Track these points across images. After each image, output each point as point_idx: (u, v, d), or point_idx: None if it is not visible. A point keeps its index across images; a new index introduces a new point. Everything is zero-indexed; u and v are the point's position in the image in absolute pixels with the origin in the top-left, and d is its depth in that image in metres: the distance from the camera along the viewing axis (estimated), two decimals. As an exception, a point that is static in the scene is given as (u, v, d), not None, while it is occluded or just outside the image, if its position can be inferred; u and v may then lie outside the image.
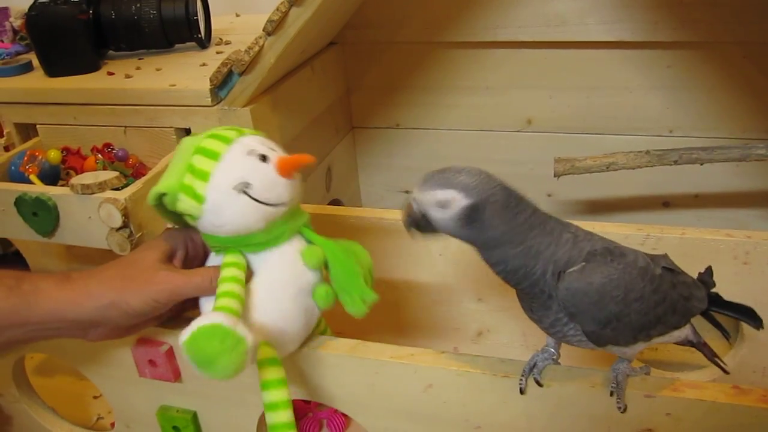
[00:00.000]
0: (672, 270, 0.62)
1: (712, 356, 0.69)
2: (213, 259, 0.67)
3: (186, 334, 0.55)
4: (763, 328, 0.67)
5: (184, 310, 0.71)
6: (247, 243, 0.64)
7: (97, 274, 0.64)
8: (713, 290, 0.68)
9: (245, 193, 0.61)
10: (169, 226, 0.71)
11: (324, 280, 0.67)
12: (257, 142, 0.64)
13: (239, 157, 0.62)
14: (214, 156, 0.62)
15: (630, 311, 0.57)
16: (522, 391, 0.61)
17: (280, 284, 0.65)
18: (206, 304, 0.65)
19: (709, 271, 0.69)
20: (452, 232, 0.58)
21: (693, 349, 0.97)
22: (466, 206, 0.55)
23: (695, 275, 0.83)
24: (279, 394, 0.63)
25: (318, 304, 0.66)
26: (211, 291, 0.63)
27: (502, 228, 0.56)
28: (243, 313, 0.61)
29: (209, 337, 0.55)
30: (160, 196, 0.63)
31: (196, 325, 0.55)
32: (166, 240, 0.67)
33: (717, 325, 0.68)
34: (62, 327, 0.63)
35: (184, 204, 0.61)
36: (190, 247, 0.69)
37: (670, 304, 0.60)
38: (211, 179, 0.61)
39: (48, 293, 0.62)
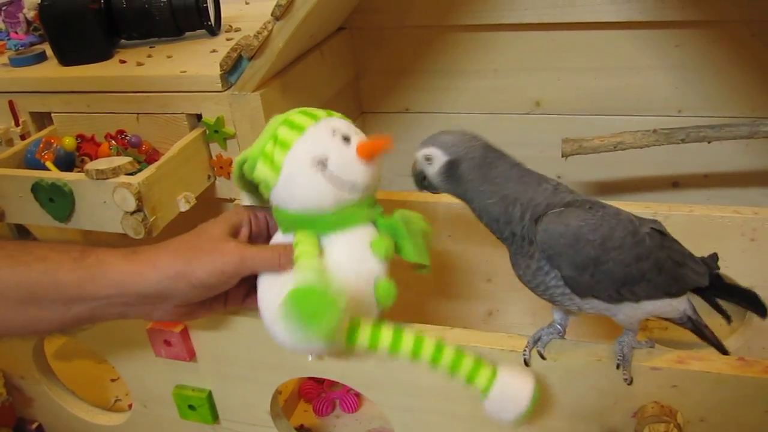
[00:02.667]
0: (662, 233, 0.63)
1: (712, 338, 0.69)
2: (279, 237, 0.66)
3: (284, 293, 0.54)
4: (767, 316, 0.68)
5: (247, 296, 0.69)
6: (316, 223, 0.63)
7: (163, 247, 0.63)
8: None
9: (322, 168, 0.60)
10: (245, 203, 0.71)
11: (389, 276, 0.65)
12: (343, 124, 0.64)
13: (323, 133, 0.62)
14: (299, 129, 0.62)
15: (608, 259, 0.58)
16: (526, 363, 0.62)
17: (343, 269, 0.62)
18: (266, 283, 0.63)
19: (714, 256, 0.69)
20: (439, 187, 0.65)
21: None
22: (445, 162, 0.62)
23: (703, 253, 0.83)
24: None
25: (379, 298, 0.63)
26: (278, 268, 0.61)
27: (478, 181, 0.61)
28: None
29: (308, 295, 0.54)
30: (242, 164, 0.63)
31: (293, 284, 0.54)
32: (231, 215, 0.66)
33: (718, 308, 0.69)
34: (128, 302, 0.62)
35: (261, 171, 0.61)
36: (254, 225, 0.68)
37: (655, 263, 0.60)
38: (291, 150, 0.61)
39: (113, 265, 0.60)
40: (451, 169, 0.62)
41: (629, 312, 0.61)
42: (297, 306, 0.53)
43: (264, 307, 0.62)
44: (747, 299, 0.68)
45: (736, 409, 0.59)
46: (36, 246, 0.61)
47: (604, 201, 0.63)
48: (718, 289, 0.67)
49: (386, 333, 0.59)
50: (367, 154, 0.62)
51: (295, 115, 0.63)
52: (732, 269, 0.84)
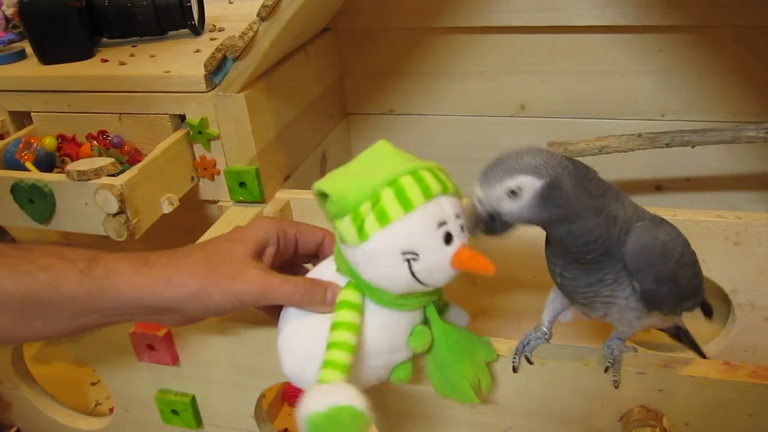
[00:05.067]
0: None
1: (692, 343, 0.70)
2: (326, 270, 0.61)
3: (312, 409, 0.51)
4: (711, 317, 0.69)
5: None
6: (375, 293, 0.57)
7: (178, 260, 0.59)
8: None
9: (409, 263, 0.54)
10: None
11: (410, 361, 0.62)
12: (452, 213, 0.55)
13: (427, 224, 0.54)
14: (406, 205, 0.53)
15: (682, 273, 0.58)
16: (515, 369, 0.62)
17: (373, 345, 0.58)
18: (291, 313, 0.60)
19: None
20: (530, 218, 0.54)
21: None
22: (542, 187, 0.52)
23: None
24: None
25: (391, 380, 0.61)
26: (301, 304, 0.58)
27: (584, 198, 0.53)
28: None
29: (340, 420, 0.50)
30: (322, 194, 0.56)
31: (324, 402, 0.50)
32: (258, 232, 0.61)
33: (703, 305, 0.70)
34: (138, 313, 0.59)
35: (345, 228, 0.54)
36: (282, 245, 0.63)
37: (701, 281, 0.61)
38: (387, 228, 0.53)
39: (124, 278, 0.57)
40: (551, 192, 0.52)
41: (643, 323, 0.61)
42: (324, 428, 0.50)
43: (283, 336, 0.60)
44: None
45: (722, 413, 0.59)
46: (40, 253, 0.57)
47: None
48: None
49: None
50: (462, 267, 0.55)
51: (408, 180, 0.54)
52: (715, 273, 0.84)
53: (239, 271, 0.58)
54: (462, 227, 0.56)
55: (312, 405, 0.51)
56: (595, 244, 0.55)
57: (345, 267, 0.58)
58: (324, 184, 0.55)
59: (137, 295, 0.57)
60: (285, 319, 0.60)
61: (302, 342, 0.58)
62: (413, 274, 0.54)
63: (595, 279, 0.58)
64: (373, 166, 0.56)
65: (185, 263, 0.58)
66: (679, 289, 0.58)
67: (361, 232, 0.53)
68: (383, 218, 0.53)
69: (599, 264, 0.57)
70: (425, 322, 0.60)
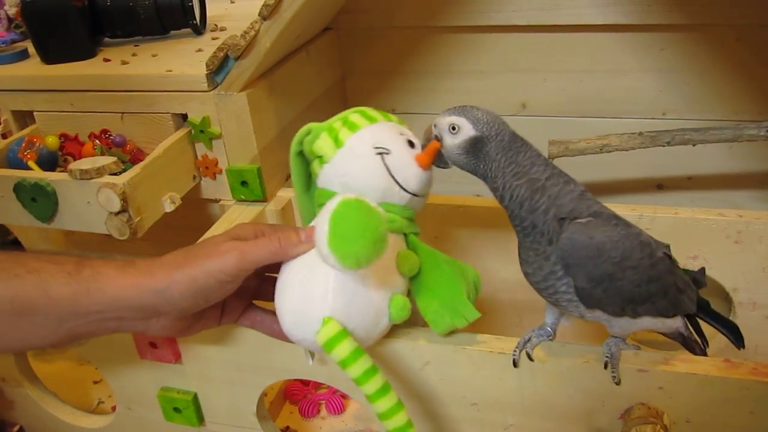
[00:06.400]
0: (671, 258, 0.63)
1: (700, 353, 0.70)
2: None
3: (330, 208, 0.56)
4: (743, 347, 0.69)
5: (244, 313, 0.67)
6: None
7: (161, 258, 0.60)
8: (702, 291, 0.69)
9: (381, 156, 0.64)
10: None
11: (405, 294, 0.64)
12: (407, 131, 0.69)
13: (391, 130, 0.67)
14: (370, 119, 0.67)
15: (623, 277, 0.58)
16: (515, 364, 0.62)
17: (362, 272, 0.59)
18: (289, 268, 0.61)
19: (702, 271, 0.70)
20: (457, 160, 0.63)
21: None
22: (472, 136, 0.61)
23: (688, 255, 0.84)
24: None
25: (390, 313, 0.62)
26: (281, 251, 0.60)
27: (505, 162, 0.61)
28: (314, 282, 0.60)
29: (357, 206, 0.56)
30: (305, 135, 0.67)
31: (336, 201, 0.56)
32: (234, 230, 0.64)
33: (699, 333, 0.70)
34: (123, 316, 0.59)
35: (323, 144, 0.66)
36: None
37: (662, 287, 0.61)
38: (358, 132, 0.65)
39: (109, 278, 0.58)
40: (476, 145, 0.61)
41: (624, 325, 0.61)
42: (348, 216, 0.54)
43: (278, 291, 0.62)
44: (728, 328, 0.69)
45: (722, 411, 0.59)
46: (29, 258, 0.59)
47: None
48: (704, 311, 0.68)
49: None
50: (426, 163, 0.66)
51: (370, 110, 0.69)
52: (716, 271, 0.84)
53: (214, 249, 0.60)
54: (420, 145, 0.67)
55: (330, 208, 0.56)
56: (519, 208, 0.60)
57: (326, 195, 0.65)
58: (302, 129, 0.67)
59: (122, 294, 0.58)
60: (278, 282, 0.62)
61: (296, 283, 0.60)
62: (387, 168, 0.64)
63: (547, 270, 0.60)
64: (338, 115, 0.69)
65: (166, 259, 0.60)
66: (621, 291, 0.59)
67: (337, 141, 0.65)
68: (353, 126, 0.66)
69: (541, 247, 0.59)
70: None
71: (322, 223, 0.55)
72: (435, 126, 0.65)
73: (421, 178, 0.67)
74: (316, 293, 0.59)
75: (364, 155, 0.65)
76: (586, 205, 0.59)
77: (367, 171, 0.65)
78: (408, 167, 0.66)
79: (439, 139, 0.64)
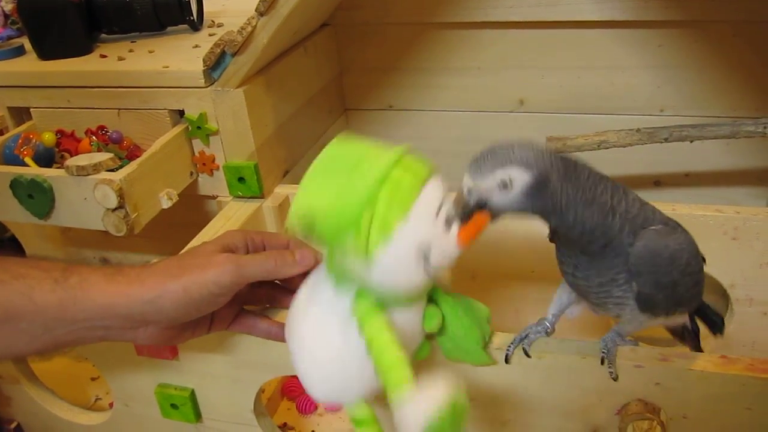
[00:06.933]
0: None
1: (696, 347, 0.70)
2: (310, 292, 0.58)
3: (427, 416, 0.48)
4: (721, 334, 0.69)
5: (234, 320, 0.66)
6: (387, 298, 0.54)
7: (151, 266, 0.59)
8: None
9: (425, 261, 0.52)
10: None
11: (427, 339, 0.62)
12: (441, 194, 0.53)
13: (428, 216, 0.51)
14: (405, 205, 0.50)
15: (683, 282, 0.58)
16: (507, 360, 0.62)
17: (400, 336, 0.54)
18: (300, 314, 0.57)
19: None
20: (520, 209, 0.54)
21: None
22: (530, 181, 0.52)
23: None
24: None
25: (414, 356, 0.60)
26: (276, 274, 0.59)
27: (572, 191, 0.53)
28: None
29: (458, 411, 0.49)
30: (308, 216, 0.50)
31: (435, 405, 0.48)
32: (224, 237, 0.63)
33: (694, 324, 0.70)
34: (111, 325, 0.58)
35: (349, 247, 0.50)
36: (251, 248, 0.64)
37: (701, 289, 0.61)
38: (394, 240, 0.50)
39: (97, 286, 0.56)
40: (539, 185, 0.53)
41: (645, 323, 0.61)
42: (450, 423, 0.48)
43: (297, 342, 0.57)
44: (712, 318, 0.69)
45: (719, 406, 0.59)
46: (14, 263, 0.57)
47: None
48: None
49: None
50: (468, 243, 0.54)
51: (397, 172, 0.50)
52: (713, 268, 0.84)
53: (209, 260, 0.58)
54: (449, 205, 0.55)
55: (424, 412, 0.48)
56: (592, 234, 0.55)
57: (347, 279, 0.54)
58: (306, 203, 0.50)
59: (111, 302, 0.56)
60: (295, 322, 0.57)
61: (321, 347, 0.56)
62: (428, 269, 0.52)
63: (607, 278, 0.58)
64: (347, 166, 0.51)
65: (157, 268, 0.59)
66: (676, 296, 0.58)
67: (369, 246, 0.49)
68: (387, 226, 0.49)
69: (607, 260, 0.57)
70: (429, 300, 0.60)
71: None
72: (470, 191, 0.54)
73: (456, 255, 0.55)
74: (354, 373, 0.55)
75: (404, 269, 0.52)
76: (650, 213, 0.58)
77: (408, 280, 0.53)
78: (448, 257, 0.53)
79: (482, 204, 0.54)
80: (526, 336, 0.63)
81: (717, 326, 0.69)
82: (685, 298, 0.60)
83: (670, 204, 0.83)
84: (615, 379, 0.60)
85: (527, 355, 0.62)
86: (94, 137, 0.92)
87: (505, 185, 0.53)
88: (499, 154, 0.53)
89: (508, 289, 0.95)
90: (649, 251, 0.55)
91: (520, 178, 0.52)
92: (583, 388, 0.62)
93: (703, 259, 0.62)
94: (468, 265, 0.95)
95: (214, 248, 0.60)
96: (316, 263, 0.61)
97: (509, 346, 0.62)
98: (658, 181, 1.14)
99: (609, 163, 1.12)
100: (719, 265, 0.84)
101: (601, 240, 0.55)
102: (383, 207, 0.49)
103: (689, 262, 0.57)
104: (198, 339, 0.73)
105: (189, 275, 0.57)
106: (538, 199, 0.53)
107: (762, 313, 0.86)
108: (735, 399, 0.58)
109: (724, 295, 0.89)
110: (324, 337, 0.55)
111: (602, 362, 0.60)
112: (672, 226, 0.58)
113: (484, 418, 0.67)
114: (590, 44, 1.05)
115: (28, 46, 1.02)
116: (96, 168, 0.79)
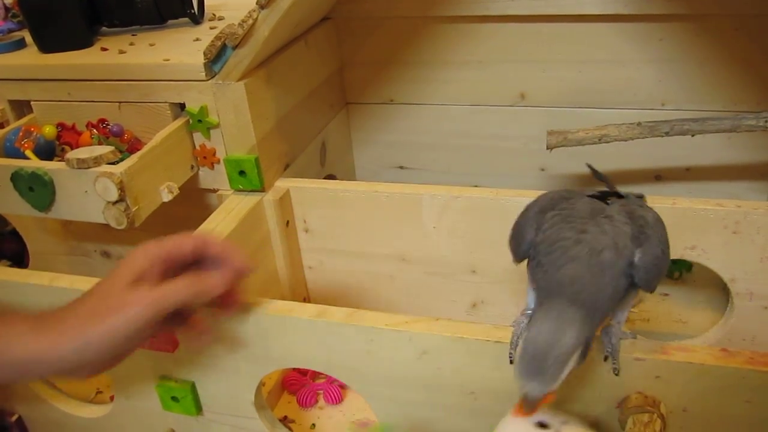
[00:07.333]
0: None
1: None
2: None
3: None
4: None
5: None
6: None
7: (74, 308, 0.59)
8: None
9: None
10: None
11: None
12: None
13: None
14: None
15: (668, 250, 0.61)
16: (512, 362, 0.62)
17: None
18: None
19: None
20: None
21: (683, 320, 0.99)
22: (580, 354, 0.54)
23: (687, 245, 0.84)
24: None
25: None
26: (201, 298, 0.60)
27: (600, 319, 0.56)
28: None
29: None
30: None
31: None
32: (130, 263, 0.60)
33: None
34: (44, 373, 0.58)
35: None
36: (168, 260, 0.62)
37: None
38: None
39: (22, 342, 0.56)
40: (586, 345, 0.55)
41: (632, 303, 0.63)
42: None
43: None
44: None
45: (719, 399, 0.59)
46: None
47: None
48: None
49: None
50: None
51: None
52: (714, 262, 0.84)
53: (124, 300, 0.57)
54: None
55: None
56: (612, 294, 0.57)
57: None
58: None
59: (34, 358, 0.56)
60: None
61: None
62: None
63: (618, 291, 0.59)
64: None
65: (80, 311, 0.58)
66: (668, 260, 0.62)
67: None
68: None
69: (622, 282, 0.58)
70: None
71: None
72: (541, 393, 0.54)
73: None
74: None
75: None
76: (618, 227, 0.59)
77: None
78: None
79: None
80: (520, 334, 0.62)
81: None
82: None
83: (670, 198, 0.83)
84: (617, 374, 0.60)
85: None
86: (94, 130, 0.93)
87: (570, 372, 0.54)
88: (551, 356, 0.53)
89: (509, 283, 0.95)
90: (647, 271, 0.57)
91: (576, 357, 0.54)
92: (583, 381, 0.62)
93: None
94: (468, 259, 0.95)
95: (124, 284, 0.59)
96: (238, 276, 0.62)
97: (510, 352, 0.62)
98: (659, 176, 1.14)
99: (610, 158, 1.13)
100: (720, 259, 0.84)
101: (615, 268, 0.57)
102: None
103: (663, 233, 0.61)
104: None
105: (108, 320, 0.57)
106: (588, 347, 0.55)
107: (762, 307, 0.86)
108: (735, 392, 0.58)
109: (724, 289, 0.89)
110: None
111: (605, 359, 0.60)
112: (649, 228, 0.59)
113: (485, 410, 0.67)
114: (591, 38, 1.05)
115: (28, 39, 1.02)
116: (97, 161, 0.79)
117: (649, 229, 0.59)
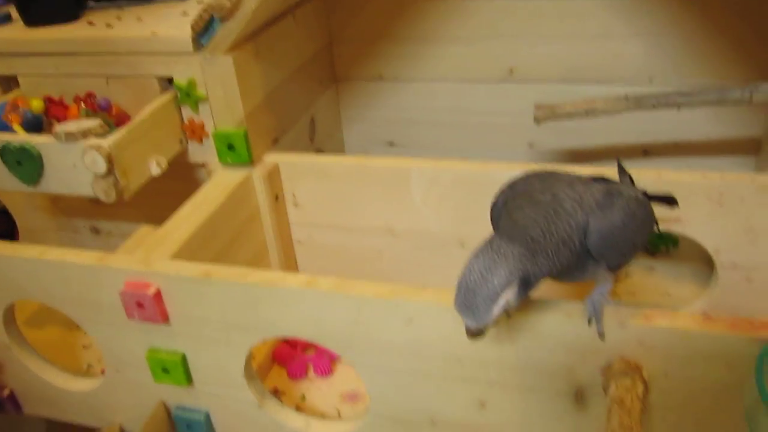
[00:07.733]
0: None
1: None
2: None
3: None
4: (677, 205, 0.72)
5: None
6: None
7: None
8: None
9: None
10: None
11: None
12: None
13: None
14: None
15: (640, 232, 0.62)
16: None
17: None
18: None
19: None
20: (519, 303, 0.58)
21: (669, 293, 1.00)
22: (517, 290, 0.54)
23: (671, 217, 0.85)
24: None
25: None
26: None
27: (543, 259, 0.55)
28: None
29: None
30: None
31: None
32: None
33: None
34: None
35: None
36: None
37: (652, 221, 0.66)
38: None
39: None
40: (524, 285, 0.55)
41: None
42: None
43: None
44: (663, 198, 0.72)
45: (700, 365, 0.60)
46: None
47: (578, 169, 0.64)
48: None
49: None
50: None
51: None
52: (699, 233, 0.85)
53: None
54: None
55: None
56: (572, 259, 0.58)
57: None
58: None
59: None
60: None
61: None
62: None
63: (588, 271, 0.61)
64: None
65: None
66: (641, 243, 0.62)
67: None
68: None
69: (586, 264, 0.60)
70: None
71: None
72: (470, 329, 0.56)
73: None
74: None
75: None
76: (588, 195, 0.59)
77: None
78: None
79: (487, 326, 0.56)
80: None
81: (670, 200, 0.71)
82: (645, 237, 0.63)
83: (656, 171, 0.84)
84: (602, 337, 0.61)
85: (508, 315, 0.63)
86: (82, 104, 0.92)
87: (502, 308, 0.55)
88: (482, 291, 0.53)
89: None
90: (600, 236, 0.58)
91: (512, 293, 0.54)
92: (568, 347, 0.63)
93: (645, 194, 0.65)
94: (457, 233, 0.95)
95: None
96: None
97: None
98: (646, 151, 1.14)
99: (598, 133, 1.14)
100: (704, 231, 0.85)
101: (573, 259, 0.58)
102: None
103: (635, 214, 0.60)
104: (188, 302, 0.74)
105: None
106: (532, 285, 0.56)
107: (745, 278, 0.87)
108: (716, 357, 0.59)
109: (710, 263, 0.90)
110: None
111: (589, 322, 0.61)
112: (613, 195, 0.60)
113: (472, 378, 0.68)
114: (579, 12, 1.05)
115: (14, 14, 1.02)
116: (85, 134, 0.79)
117: (619, 200, 0.60)
